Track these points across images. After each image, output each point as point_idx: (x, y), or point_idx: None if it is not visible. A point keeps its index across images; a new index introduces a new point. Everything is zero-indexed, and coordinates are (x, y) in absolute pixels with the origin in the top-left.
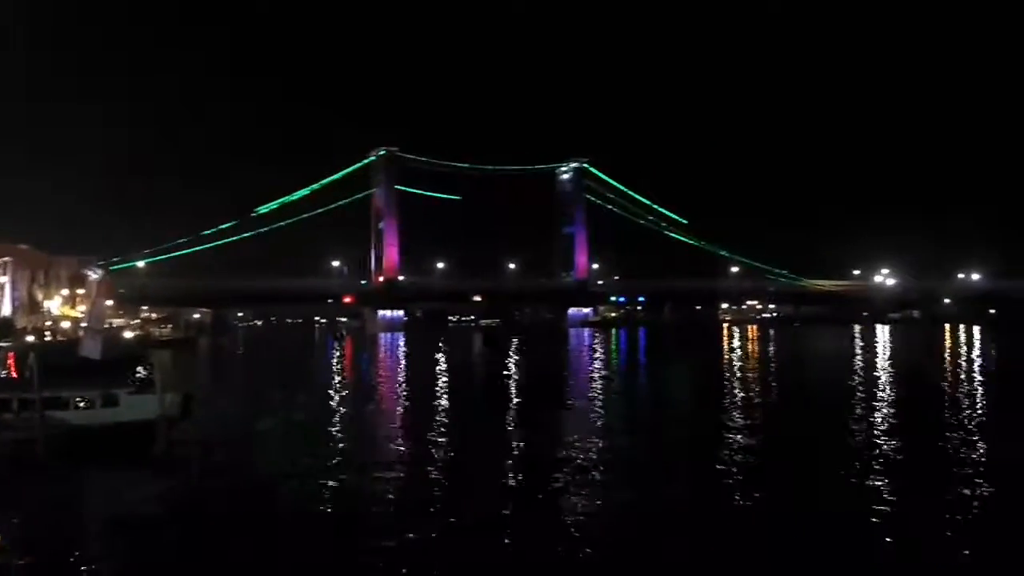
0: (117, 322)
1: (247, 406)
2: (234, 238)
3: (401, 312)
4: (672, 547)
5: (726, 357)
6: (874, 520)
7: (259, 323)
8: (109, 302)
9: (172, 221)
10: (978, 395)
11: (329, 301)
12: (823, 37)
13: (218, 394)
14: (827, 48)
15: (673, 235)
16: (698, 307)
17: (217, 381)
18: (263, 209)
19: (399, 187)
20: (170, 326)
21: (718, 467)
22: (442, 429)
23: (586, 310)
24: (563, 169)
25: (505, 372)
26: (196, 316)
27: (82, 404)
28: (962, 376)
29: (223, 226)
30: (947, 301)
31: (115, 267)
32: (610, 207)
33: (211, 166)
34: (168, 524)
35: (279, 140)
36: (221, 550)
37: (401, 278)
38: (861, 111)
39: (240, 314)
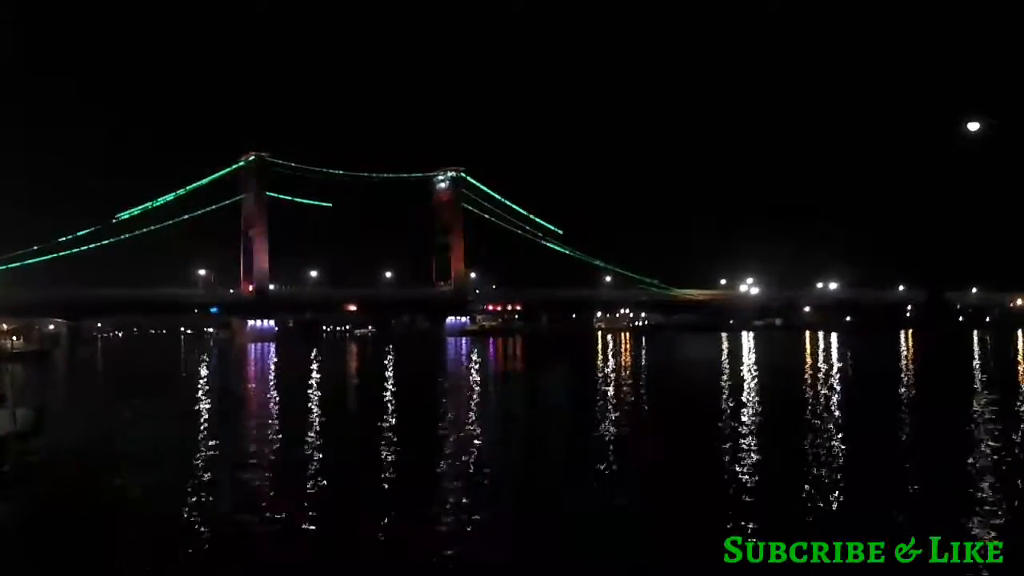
0: None
1: (103, 420)
2: (93, 245)
3: (272, 322)
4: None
5: (601, 363)
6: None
7: (120, 334)
8: None
9: (25, 227)
10: (834, 394)
11: (195, 311)
12: (692, 49)
13: (73, 408)
14: (694, 60)
15: (549, 245)
16: (574, 315)
17: (73, 395)
18: (124, 215)
19: (270, 193)
20: (22, 338)
21: (592, 469)
22: (313, 439)
23: (463, 319)
24: (439, 178)
25: (381, 383)
26: (51, 327)
27: None
28: (820, 377)
29: (81, 232)
30: (807, 309)
31: None
32: (487, 216)
33: (69, 169)
34: (16, 545)
35: (142, 143)
36: (69, 571)
37: (272, 287)
38: (727, 124)
39: (99, 325)
